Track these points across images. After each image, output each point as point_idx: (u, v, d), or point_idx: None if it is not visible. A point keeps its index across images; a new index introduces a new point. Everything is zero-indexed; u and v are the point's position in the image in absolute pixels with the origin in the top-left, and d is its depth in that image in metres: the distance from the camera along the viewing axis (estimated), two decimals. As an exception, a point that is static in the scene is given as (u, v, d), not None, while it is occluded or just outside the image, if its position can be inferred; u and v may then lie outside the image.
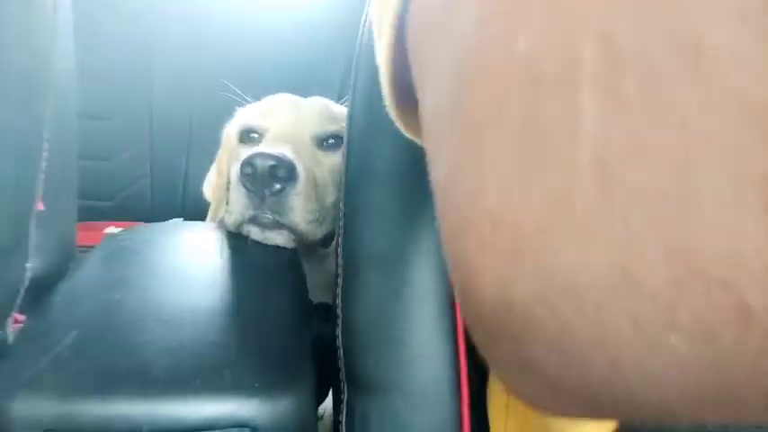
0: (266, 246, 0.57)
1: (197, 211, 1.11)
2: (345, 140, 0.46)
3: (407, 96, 0.21)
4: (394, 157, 0.43)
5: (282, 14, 1.40)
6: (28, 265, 0.41)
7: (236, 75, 1.17)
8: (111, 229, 1.08)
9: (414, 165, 0.42)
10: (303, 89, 1.08)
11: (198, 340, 0.38)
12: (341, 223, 0.44)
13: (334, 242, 0.63)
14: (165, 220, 1.05)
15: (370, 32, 0.49)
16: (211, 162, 0.95)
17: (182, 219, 1.23)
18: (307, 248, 0.62)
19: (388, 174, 0.42)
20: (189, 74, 1.45)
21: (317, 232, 0.60)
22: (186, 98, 1.48)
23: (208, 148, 1.18)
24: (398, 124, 0.25)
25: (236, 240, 0.56)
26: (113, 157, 1.45)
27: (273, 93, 0.87)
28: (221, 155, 0.79)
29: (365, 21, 0.49)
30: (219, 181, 0.77)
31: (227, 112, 0.98)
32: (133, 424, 0.32)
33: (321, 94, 0.81)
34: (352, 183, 0.44)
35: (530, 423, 0.34)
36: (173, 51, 1.45)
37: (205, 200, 0.97)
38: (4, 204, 0.38)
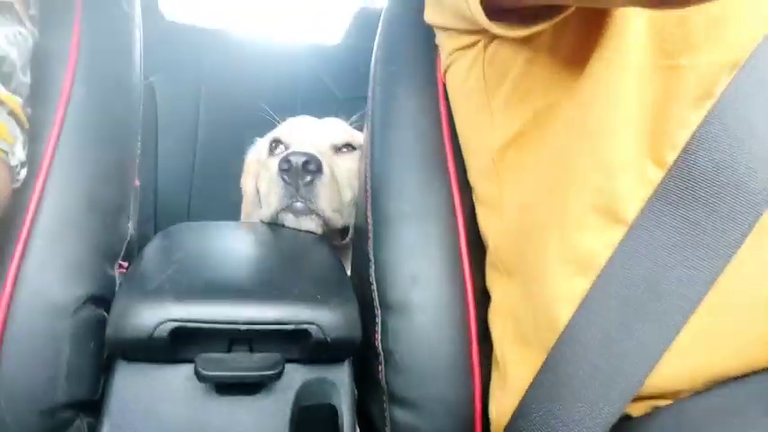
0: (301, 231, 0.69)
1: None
2: (367, 129, 0.60)
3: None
4: (410, 140, 0.57)
5: (280, 58, 1.47)
6: (129, 224, 0.52)
7: (236, 116, 1.30)
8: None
9: (427, 143, 0.56)
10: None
11: (273, 271, 0.50)
12: (368, 192, 0.57)
13: (349, 235, 0.76)
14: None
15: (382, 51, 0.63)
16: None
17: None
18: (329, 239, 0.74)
19: (406, 153, 0.56)
20: (191, 117, 1.52)
21: (338, 222, 0.72)
22: (189, 142, 1.56)
23: (209, 190, 1.28)
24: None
25: (276, 227, 0.68)
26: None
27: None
28: (245, 178, 0.92)
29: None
30: (246, 200, 0.90)
31: (225, 159, 1.08)
32: (232, 319, 0.44)
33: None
34: (377, 160, 0.57)
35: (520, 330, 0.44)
36: (175, 97, 1.48)
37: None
38: (117, 171, 0.51)
